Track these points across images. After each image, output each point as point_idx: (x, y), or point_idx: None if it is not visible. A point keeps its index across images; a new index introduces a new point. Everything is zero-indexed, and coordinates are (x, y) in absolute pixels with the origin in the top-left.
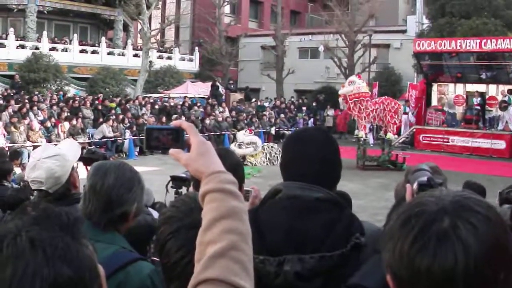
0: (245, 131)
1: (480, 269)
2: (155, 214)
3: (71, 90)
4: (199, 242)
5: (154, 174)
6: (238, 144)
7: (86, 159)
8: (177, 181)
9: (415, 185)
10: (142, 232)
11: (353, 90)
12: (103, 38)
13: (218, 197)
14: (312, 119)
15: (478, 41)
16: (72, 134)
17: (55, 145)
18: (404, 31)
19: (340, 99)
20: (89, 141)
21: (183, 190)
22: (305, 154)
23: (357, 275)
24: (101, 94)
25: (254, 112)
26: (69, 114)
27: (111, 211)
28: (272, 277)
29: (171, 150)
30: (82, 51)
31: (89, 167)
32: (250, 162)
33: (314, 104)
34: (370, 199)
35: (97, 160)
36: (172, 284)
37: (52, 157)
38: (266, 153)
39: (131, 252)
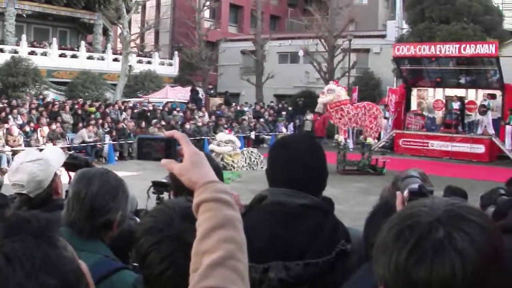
0: (225, 131)
1: (478, 278)
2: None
3: (50, 95)
4: (195, 252)
5: (134, 179)
6: (217, 143)
7: (68, 165)
8: (158, 187)
9: (405, 193)
10: (124, 238)
11: (333, 99)
12: (83, 42)
13: (213, 207)
14: (291, 124)
15: (457, 46)
16: (52, 138)
17: (36, 150)
18: (383, 36)
19: (320, 105)
20: (69, 146)
21: (165, 195)
22: (291, 160)
23: (347, 284)
24: (81, 99)
25: (233, 116)
26: (48, 118)
27: (94, 219)
28: (256, 284)
29: (164, 161)
30: (61, 55)
31: (71, 173)
32: (227, 163)
33: (290, 108)
34: (350, 203)
35: (79, 166)
36: None
37: (35, 161)
38: (246, 158)
39: (114, 261)
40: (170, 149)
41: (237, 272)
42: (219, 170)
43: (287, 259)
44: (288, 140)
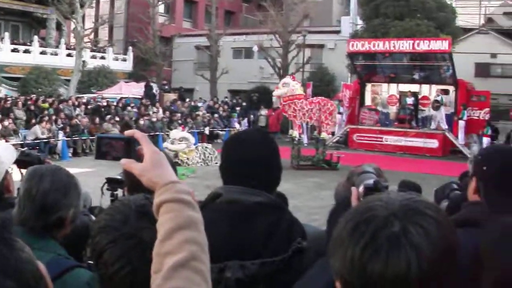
0: (178, 128)
1: (433, 272)
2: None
3: (3, 90)
4: (157, 253)
5: (88, 176)
6: (171, 141)
7: (20, 162)
8: (112, 183)
9: (361, 188)
10: (78, 235)
11: (287, 92)
12: (36, 37)
13: (175, 207)
14: (246, 119)
15: (411, 42)
16: (4, 135)
17: None
18: (338, 32)
19: (275, 98)
20: (22, 142)
21: (119, 192)
22: (244, 157)
23: (302, 281)
24: (34, 95)
25: (188, 112)
26: (0, 115)
27: (46, 216)
28: (213, 285)
29: (123, 160)
30: (13, 50)
31: (23, 170)
32: (182, 161)
33: (244, 104)
34: (305, 198)
35: (31, 163)
36: None
37: None
38: (200, 154)
39: (67, 260)
40: (129, 149)
41: (200, 273)
42: (172, 166)
43: (243, 258)
44: (241, 136)
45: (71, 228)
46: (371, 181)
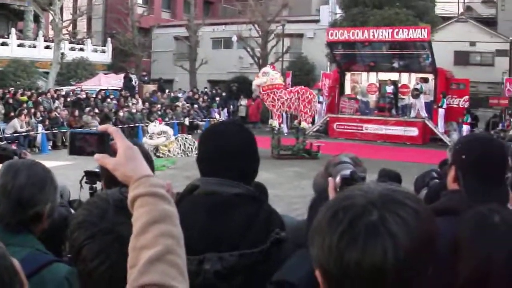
0: (155, 123)
1: (410, 262)
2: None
3: None
4: (132, 247)
5: (68, 169)
6: (150, 136)
7: None
8: (91, 176)
9: (337, 179)
10: (57, 229)
11: (266, 82)
12: (13, 30)
13: (150, 201)
14: (225, 110)
15: (390, 30)
16: None
17: None
18: (317, 21)
19: (254, 87)
20: (1, 136)
21: (98, 185)
22: (221, 149)
23: (281, 271)
24: (12, 88)
25: (167, 103)
26: None
27: (23, 212)
28: (192, 277)
29: (97, 155)
30: None
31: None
32: (163, 153)
33: (224, 94)
34: (285, 188)
35: (8, 157)
36: None
37: None
38: (180, 144)
39: (45, 254)
40: (103, 144)
41: (176, 267)
42: (148, 160)
43: (221, 250)
44: (218, 128)
45: (48, 222)
46: (347, 172)
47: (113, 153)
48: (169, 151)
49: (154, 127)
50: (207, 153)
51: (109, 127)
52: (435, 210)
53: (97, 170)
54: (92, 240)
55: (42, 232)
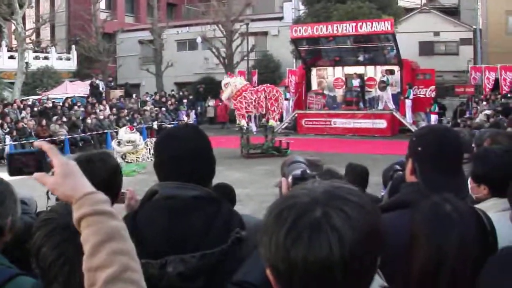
0: (126, 129)
1: (356, 255)
2: None
3: None
4: (87, 268)
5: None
6: (118, 142)
7: None
8: None
9: (290, 179)
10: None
11: (233, 91)
12: None
13: (96, 220)
14: (193, 111)
15: (354, 24)
16: None
17: None
18: (281, 18)
19: (227, 101)
20: None
21: None
22: (177, 153)
23: (240, 271)
24: None
25: (135, 108)
26: None
27: None
28: (155, 281)
29: (35, 175)
30: None
31: None
32: (132, 160)
33: (191, 96)
34: (256, 186)
35: None
36: None
37: None
38: (149, 149)
39: (9, 268)
40: (41, 162)
41: (134, 283)
42: (117, 171)
43: (183, 252)
44: (172, 132)
45: (11, 235)
46: (298, 172)
47: (52, 170)
48: (137, 158)
49: (124, 134)
50: (162, 157)
51: (43, 145)
52: (393, 203)
53: None
54: (51, 234)
55: (7, 244)
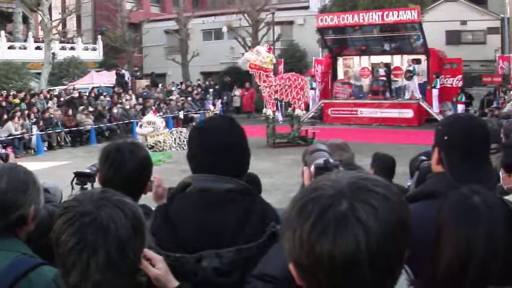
0: (150, 112)
1: (383, 249)
2: None
3: None
4: None
5: (64, 169)
6: (140, 124)
7: None
8: (81, 177)
9: (312, 168)
10: (46, 223)
11: (255, 60)
12: (3, 32)
13: None
14: (219, 101)
15: (380, 13)
16: None
17: None
18: (306, 7)
19: (243, 59)
20: None
21: (88, 186)
22: (211, 144)
23: (261, 264)
24: (4, 91)
25: (161, 97)
26: None
27: (6, 216)
28: (190, 276)
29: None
30: None
31: None
32: (153, 145)
33: (217, 85)
34: (282, 176)
35: None
36: (69, 278)
37: None
38: (175, 138)
39: (32, 258)
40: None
41: None
42: (148, 161)
43: (218, 246)
44: (207, 123)
45: (35, 224)
46: (321, 161)
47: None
48: (159, 142)
49: (146, 116)
50: (196, 149)
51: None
52: (420, 194)
53: (88, 170)
54: (71, 223)
55: (31, 233)
